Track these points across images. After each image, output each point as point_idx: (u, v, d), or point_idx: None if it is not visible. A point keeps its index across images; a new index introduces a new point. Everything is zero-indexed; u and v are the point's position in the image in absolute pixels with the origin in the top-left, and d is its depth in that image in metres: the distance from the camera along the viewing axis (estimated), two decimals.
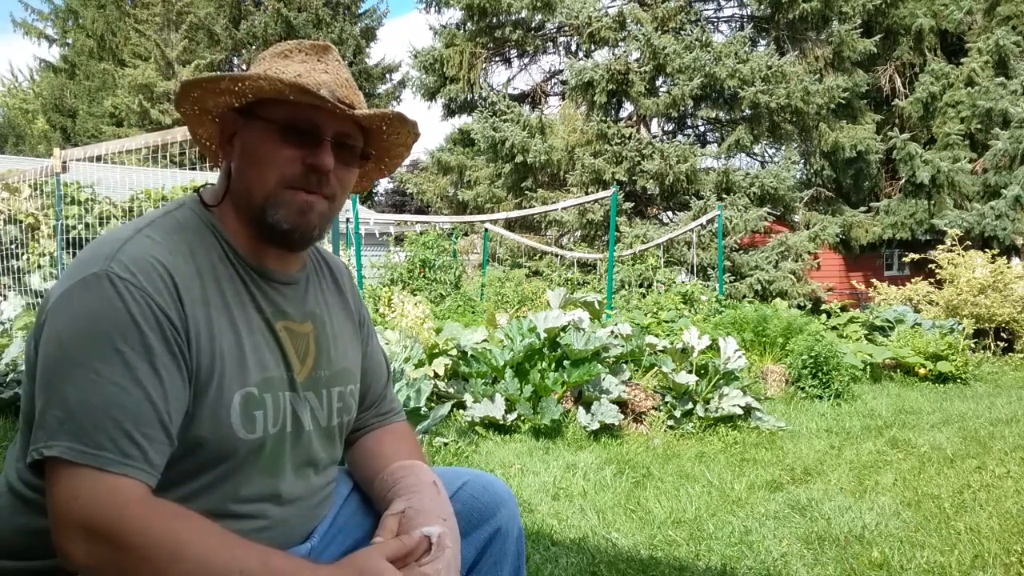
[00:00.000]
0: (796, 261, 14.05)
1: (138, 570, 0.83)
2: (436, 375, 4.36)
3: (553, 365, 4.37)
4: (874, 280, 10.44)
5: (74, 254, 6.26)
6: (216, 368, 0.97)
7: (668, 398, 4.42)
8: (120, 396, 0.88)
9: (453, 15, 17.34)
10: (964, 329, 7.50)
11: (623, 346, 4.70)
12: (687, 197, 14.00)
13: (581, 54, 16.02)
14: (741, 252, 14.13)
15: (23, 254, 7.21)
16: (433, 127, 67.75)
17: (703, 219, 11.74)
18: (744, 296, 12.72)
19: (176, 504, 0.90)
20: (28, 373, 0.95)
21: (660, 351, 4.87)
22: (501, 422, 4.06)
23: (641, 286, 10.19)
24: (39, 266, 7.07)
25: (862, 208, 16.08)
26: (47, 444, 0.86)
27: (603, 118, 14.57)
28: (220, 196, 1.08)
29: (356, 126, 1.08)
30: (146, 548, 0.83)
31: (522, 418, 4.12)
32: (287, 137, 1.02)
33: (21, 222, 7.27)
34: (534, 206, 13.99)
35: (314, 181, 1.03)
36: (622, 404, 4.30)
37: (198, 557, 0.84)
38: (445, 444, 3.68)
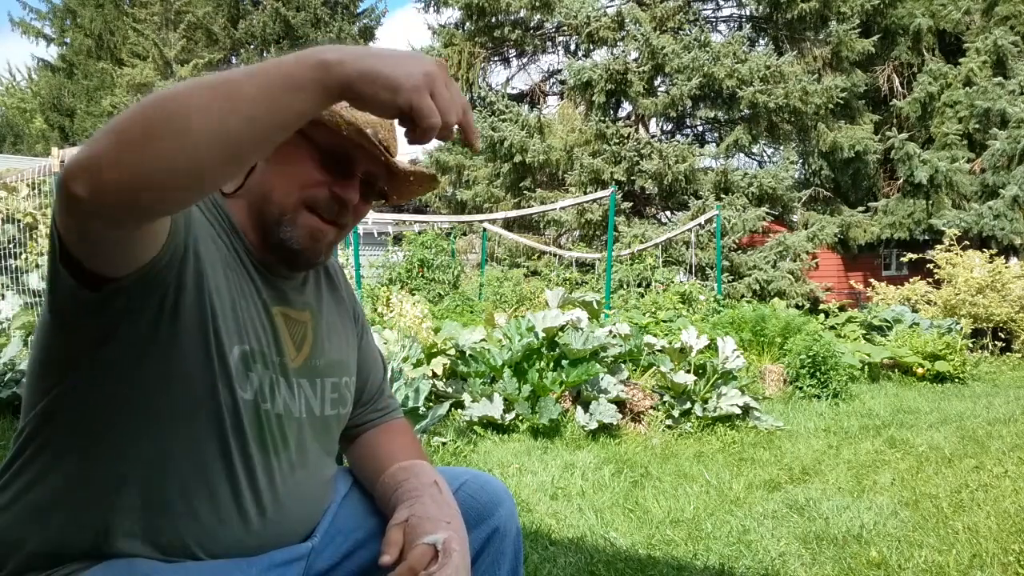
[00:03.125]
0: (794, 261, 14.06)
1: (147, 106, 0.72)
2: (434, 374, 4.36)
3: (551, 365, 4.37)
4: (872, 280, 10.45)
5: None
6: (211, 313, 0.96)
7: (666, 398, 4.42)
8: None
9: (452, 15, 17.36)
10: (962, 329, 7.51)
11: (621, 346, 4.71)
12: (686, 197, 14.00)
13: (580, 54, 16.03)
14: (739, 252, 14.13)
15: (21, 253, 7.20)
16: None
17: (701, 219, 11.75)
18: (742, 296, 12.72)
19: None
20: (39, 326, 0.96)
21: (658, 351, 4.88)
22: (499, 422, 4.06)
23: (639, 286, 10.19)
24: (37, 265, 7.06)
25: (860, 208, 16.08)
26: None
27: (602, 118, 14.57)
28: (237, 188, 1.08)
29: (385, 168, 1.10)
30: (151, 98, 0.73)
31: (520, 418, 4.12)
32: (324, 163, 1.04)
33: (19, 221, 7.26)
34: (532, 206, 13.99)
35: (335, 210, 1.05)
36: (620, 404, 4.30)
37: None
38: (443, 444, 3.68)
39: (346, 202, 1.05)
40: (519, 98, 17.68)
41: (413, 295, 6.85)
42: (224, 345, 0.98)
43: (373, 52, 0.77)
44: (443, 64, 0.80)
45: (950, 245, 9.18)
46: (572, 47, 16.71)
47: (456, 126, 0.81)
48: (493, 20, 16.46)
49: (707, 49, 14.04)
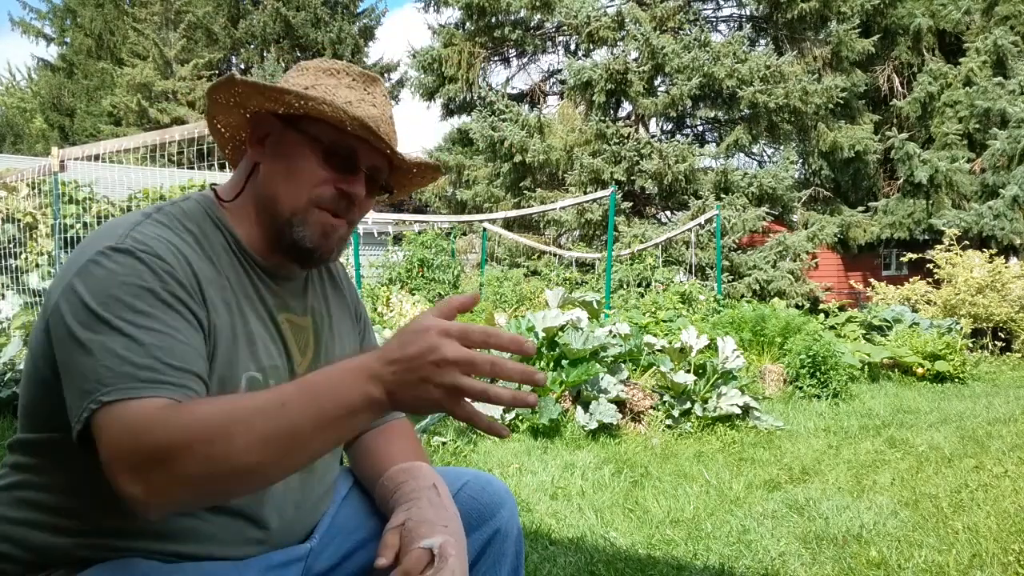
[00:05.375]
0: (794, 261, 14.07)
1: (200, 462, 0.78)
2: None
3: (551, 364, 4.37)
4: (872, 280, 10.45)
5: None
6: (227, 347, 0.98)
7: (666, 397, 4.42)
8: (165, 340, 0.86)
9: (452, 14, 17.39)
10: (962, 329, 7.51)
11: (621, 345, 4.70)
12: (685, 197, 14.01)
13: (580, 54, 16.03)
14: (739, 252, 14.14)
15: (21, 253, 7.21)
16: (432, 127, 67.83)
17: (701, 219, 11.75)
18: (742, 296, 12.73)
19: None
20: (34, 359, 0.94)
21: (658, 350, 4.88)
22: (499, 421, 4.05)
23: (639, 286, 10.20)
24: (37, 265, 7.07)
25: (860, 208, 16.09)
26: (104, 392, 0.81)
27: (602, 118, 14.58)
28: (237, 193, 1.08)
29: (387, 161, 1.11)
30: (197, 434, 0.79)
31: (520, 417, 4.13)
32: (328, 160, 1.04)
33: (19, 221, 7.27)
34: (532, 206, 13.99)
35: (343, 207, 1.06)
36: (620, 404, 4.30)
37: (244, 411, 0.81)
38: (443, 443, 3.68)
39: (353, 197, 1.06)
40: (519, 98, 17.68)
41: (413, 295, 6.86)
42: (233, 378, 0.98)
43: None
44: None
45: (950, 245, 9.18)
46: (572, 47, 16.71)
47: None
48: (493, 20, 16.47)
49: (707, 49, 14.04)
